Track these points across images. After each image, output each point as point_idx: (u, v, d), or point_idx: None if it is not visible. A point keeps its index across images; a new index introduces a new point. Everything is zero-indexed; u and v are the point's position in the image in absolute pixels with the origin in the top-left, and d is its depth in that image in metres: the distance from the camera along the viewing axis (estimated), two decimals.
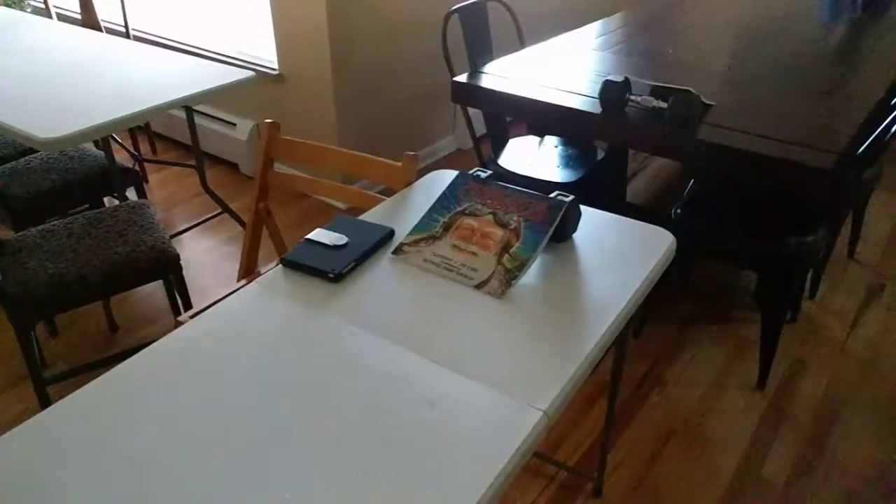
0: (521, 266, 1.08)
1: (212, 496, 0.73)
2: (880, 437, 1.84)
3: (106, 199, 2.46)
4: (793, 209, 1.93)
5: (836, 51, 2.30)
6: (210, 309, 1.02)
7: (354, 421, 0.82)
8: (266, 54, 2.91)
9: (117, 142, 3.16)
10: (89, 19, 2.89)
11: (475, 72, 2.07)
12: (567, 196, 1.17)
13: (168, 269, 1.78)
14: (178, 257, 1.79)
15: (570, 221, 1.17)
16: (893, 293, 2.40)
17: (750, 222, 1.89)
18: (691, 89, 1.73)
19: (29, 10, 3.57)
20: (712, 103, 1.82)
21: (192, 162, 3.10)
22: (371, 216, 1.26)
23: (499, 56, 2.23)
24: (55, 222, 1.85)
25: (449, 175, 1.37)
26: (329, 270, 1.07)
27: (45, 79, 1.99)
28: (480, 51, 2.35)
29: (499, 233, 1.14)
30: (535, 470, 1.75)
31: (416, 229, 1.19)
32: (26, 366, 1.72)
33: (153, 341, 0.95)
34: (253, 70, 2.76)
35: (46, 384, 1.75)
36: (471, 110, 2.27)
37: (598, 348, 0.96)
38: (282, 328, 0.98)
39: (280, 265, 1.12)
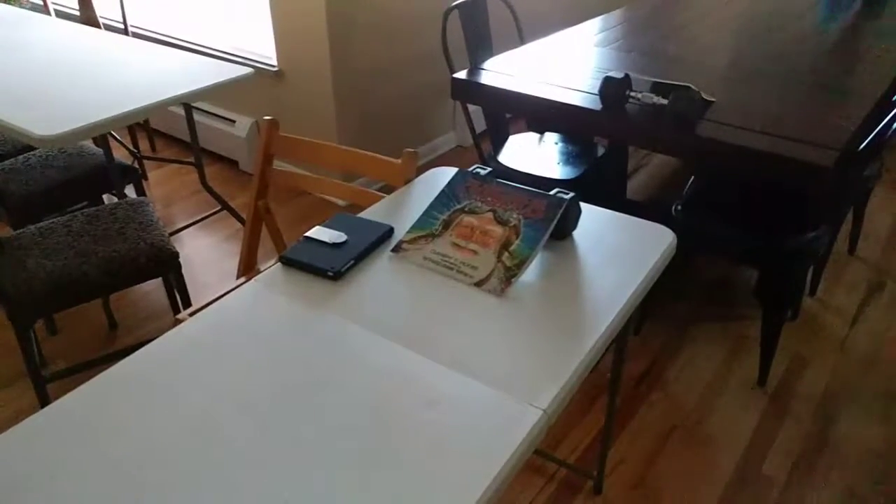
0: (521, 264, 1.08)
1: (210, 495, 0.73)
2: (881, 433, 1.84)
3: (105, 197, 2.45)
4: (793, 206, 1.93)
5: (837, 47, 2.30)
6: (209, 307, 1.02)
7: (354, 419, 0.82)
8: (265, 51, 2.90)
9: (116, 139, 3.15)
10: (88, 16, 2.88)
11: (475, 68, 2.06)
12: (567, 193, 1.16)
13: (167, 267, 1.78)
14: (177, 255, 1.78)
15: (570, 219, 1.17)
16: (894, 290, 2.40)
17: (750, 219, 1.89)
18: (692, 85, 1.73)
19: (27, 6, 3.56)
20: (713, 99, 1.82)
21: (192, 159, 3.09)
22: (370, 214, 1.26)
23: (499, 52, 2.23)
24: (54, 220, 1.84)
25: (449, 172, 1.36)
26: (328, 269, 1.07)
27: (43, 76, 1.98)
28: (480, 47, 2.34)
29: (498, 230, 1.14)
30: (536, 467, 1.75)
31: (415, 227, 1.18)
32: (25, 364, 1.71)
33: (152, 339, 0.95)
34: (252, 67, 2.75)
35: (46, 382, 1.75)
36: (471, 107, 2.26)
37: (599, 346, 0.95)
38: (281, 326, 0.98)
39: (279, 263, 1.11)
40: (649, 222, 1.23)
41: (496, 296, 1.03)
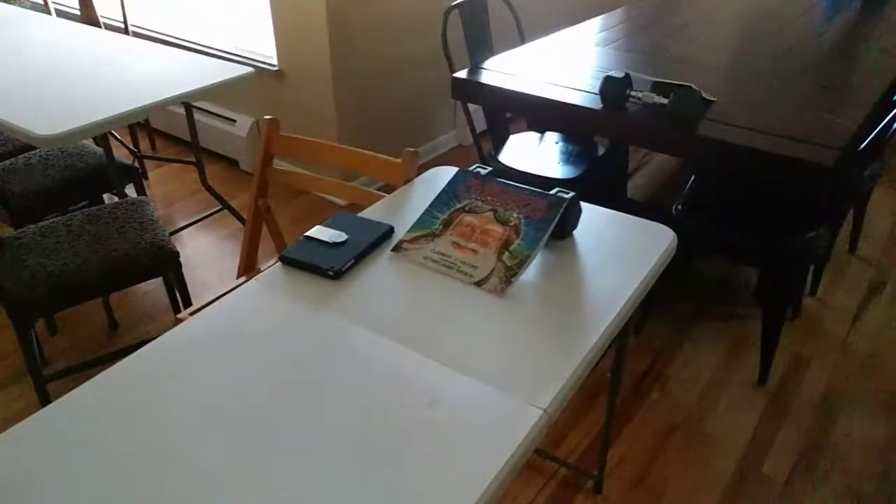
0: (521, 263, 1.08)
1: (209, 494, 0.73)
2: (881, 433, 1.84)
3: (105, 196, 2.45)
4: (794, 205, 1.93)
5: (837, 46, 2.29)
6: (209, 306, 1.02)
7: (354, 419, 0.82)
8: (266, 50, 2.90)
9: (117, 138, 3.15)
10: (88, 15, 2.88)
11: (475, 68, 2.06)
12: (567, 193, 1.16)
13: (167, 267, 1.78)
14: (177, 254, 1.78)
15: (570, 218, 1.17)
16: (894, 289, 2.40)
17: (751, 219, 1.89)
18: (692, 85, 1.73)
19: (27, 5, 3.56)
20: (714, 99, 1.82)
21: (192, 158, 3.09)
22: (371, 213, 1.26)
23: (499, 52, 2.23)
24: (54, 219, 1.84)
25: (449, 171, 1.36)
26: (328, 268, 1.07)
27: (43, 75, 1.98)
28: (480, 46, 2.34)
29: (499, 230, 1.14)
30: (536, 467, 1.75)
31: (415, 226, 1.18)
32: (26, 363, 1.71)
33: (153, 338, 0.95)
34: (252, 66, 2.75)
35: (46, 381, 1.75)
36: (471, 106, 2.26)
37: (599, 346, 0.95)
38: (281, 326, 0.98)
39: (279, 262, 1.11)
40: (650, 222, 1.23)
41: (496, 295, 1.03)
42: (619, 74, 1.79)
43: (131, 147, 3.09)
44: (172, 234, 2.70)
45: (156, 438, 0.80)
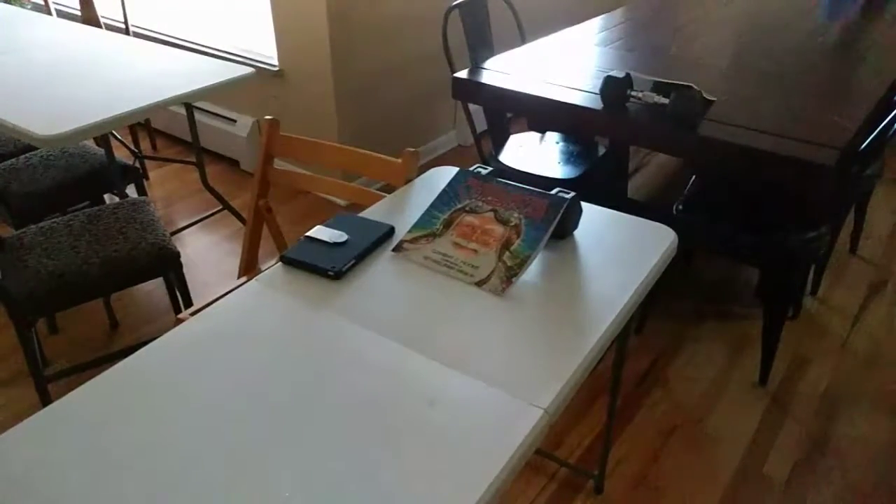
0: (522, 263, 1.08)
1: (211, 494, 0.73)
2: (881, 433, 1.84)
3: (106, 197, 2.45)
4: (795, 205, 1.93)
5: (838, 47, 2.29)
6: (210, 306, 1.02)
7: (354, 419, 0.82)
8: (266, 51, 2.90)
9: (117, 139, 3.15)
10: (89, 16, 2.88)
11: (476, 68, 2.06)
12: (568, 193, 1.16)
13: (168, 267, 1.78)
14: (178, 254, 1.79)
15: (570, 218, 1.17)
16: (895, 289, 2.40)
17: (752, 218, 1.89)
18: (693, 85, 1.73)
19: (28, 6, 3.56)
20: (714, 99, 1.82)
21: (193, 159, 3.09)
22: (371, 213, 1.26)
23: (499, 52, 2.23)
24: (55, 220, 1.84)
25: (449, 172, 1.36)
26: (329, 268, 1.07)
27: (44, 76, 1.99)
28: (481, 47, 2.34)
29: (499, 230, 1.14)
30: (537, 467, 1.75)
31: (416, 226, 1.18)
32: (27, 363, 1.71)
33: (154, 339, 0.95)
34: (253, 66, 2.75)
35: (47, 382, 1.75)
36: (472, 106, 2.26)
37: (600, 346, 0.95)
38: (282, 326, 0.98)
39: (280, 262, 1.11)
40: (650, 222, 1.23)
41: (497, 295, 1.03)
42: (620, 74, 1.79)
43: (132, 147, 3.10)
44: (173, 234, 2.70)
45: (156, 438, 0.80)
